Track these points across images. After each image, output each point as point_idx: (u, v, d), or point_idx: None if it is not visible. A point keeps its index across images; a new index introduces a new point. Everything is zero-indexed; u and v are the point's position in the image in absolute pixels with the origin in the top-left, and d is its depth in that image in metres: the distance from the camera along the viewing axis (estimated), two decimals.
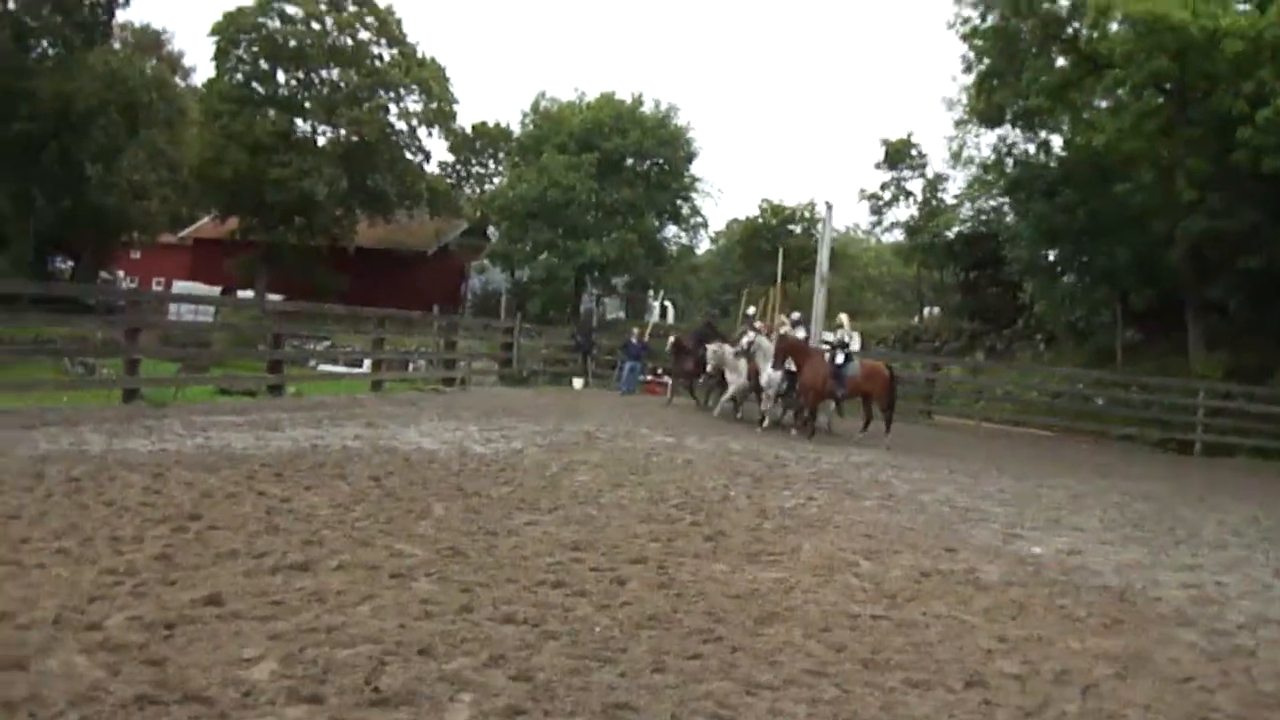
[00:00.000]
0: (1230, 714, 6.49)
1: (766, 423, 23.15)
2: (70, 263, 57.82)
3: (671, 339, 29.78)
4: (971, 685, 6.49)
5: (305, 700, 5.31)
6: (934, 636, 7.48)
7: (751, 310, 27.93)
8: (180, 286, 52.82)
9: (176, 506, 9.46)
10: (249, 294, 49.59)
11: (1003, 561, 10.36)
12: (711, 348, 25.15)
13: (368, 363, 30.21)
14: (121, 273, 60.84)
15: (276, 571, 7.61)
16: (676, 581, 8.38)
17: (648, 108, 53.52)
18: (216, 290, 49.81)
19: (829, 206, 30.69)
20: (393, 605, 7.02)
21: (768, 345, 22.74)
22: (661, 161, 52.63)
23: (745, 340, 23.36)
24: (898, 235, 52.49)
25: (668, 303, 42.50)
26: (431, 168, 60.63)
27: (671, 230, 55.49)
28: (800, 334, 23.93)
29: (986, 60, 33.64)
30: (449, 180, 62.86)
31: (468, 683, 5.75)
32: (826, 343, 23.30)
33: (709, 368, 25.41)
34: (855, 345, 24.88)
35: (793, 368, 22.53)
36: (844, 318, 25.23)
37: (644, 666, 6.28)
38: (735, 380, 24.44)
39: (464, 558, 8.55)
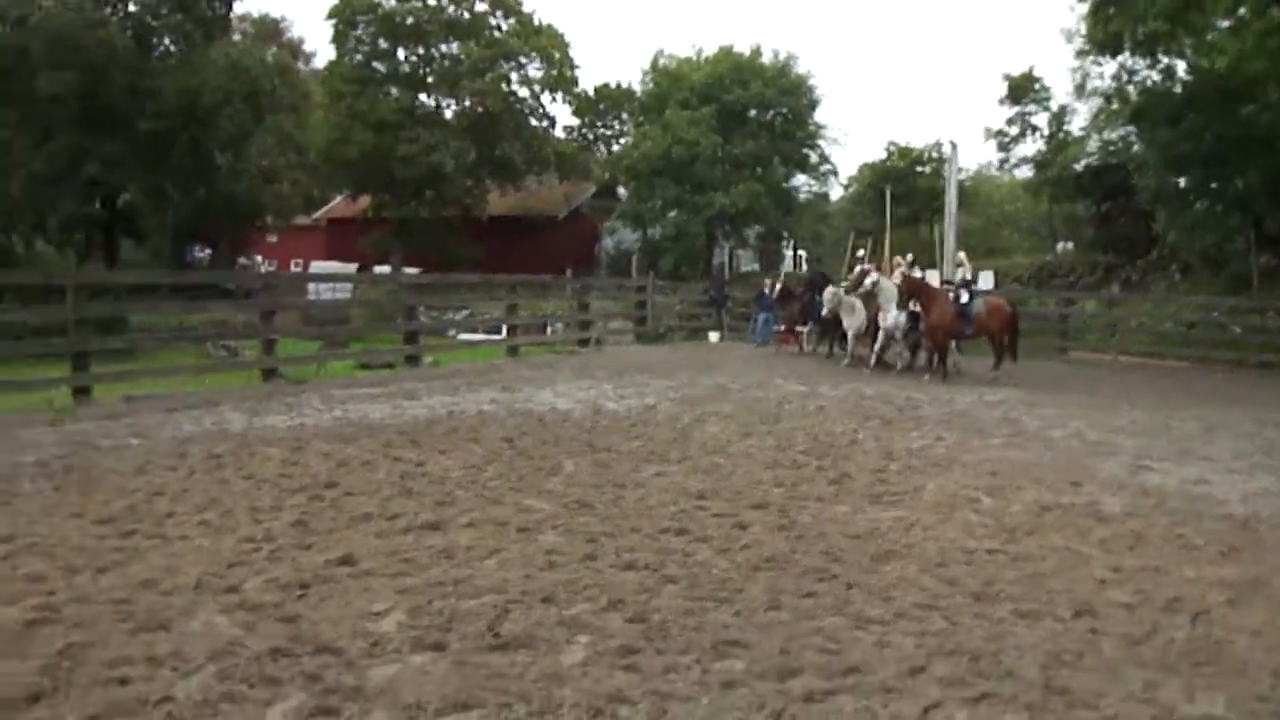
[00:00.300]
0: None
1: (874, 362, 23.21)
2: (208, 251, 59.40)
3: (779, 286, 29.88)
4: (1080, 615, 6.54)
5: (429, 648, 5.63)
6: (1048, 569, 7.54)
7: (860, 253, 27.72)
8: (317, 266, 53.79)
9: (313, 476, 9.88)
10: (385, 269, 50.30)
11: (1126, 493, 10.29)
12: (829, 291, 24.91)
13: (505, 329, 30.62)
14: (259, 257, 62.18)
15: (408, 532, 7.96)
16: (797, 524, 8.55)
17: (767, 58, 53.15)
18: (353, 268, 50.65)
19: (954, 146, 30.35)
20: (519, 557, 7.32)
21: (890, 286, 22.65)
22: (784, 111, 52.27)
23: (869, 281, 23.11)
24: (1026, 171, 51.58)
25: (801, 252, 42.30)
26: (557, 133, 60.88)
27: (801, 179, 55.28)
28: (918, 274, 23.71)
29: None
30: (575, 144, 63.00)
31: (585, 626, 6.02)
32: (948, 282, 23.09)
33: (825, 311, 25.17)
34: (980, 284, 24.58)
35: (915, 309, 22.46)
36: (962, 255, 24.99)
37: (758, 606, 6.47)
38: (853, 324, 24.26)
39: (590, 510, 8.83)
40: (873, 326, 23.60)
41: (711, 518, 8.67)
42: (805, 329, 28.27)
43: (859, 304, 23.75)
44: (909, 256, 25.64)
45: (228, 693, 5.02)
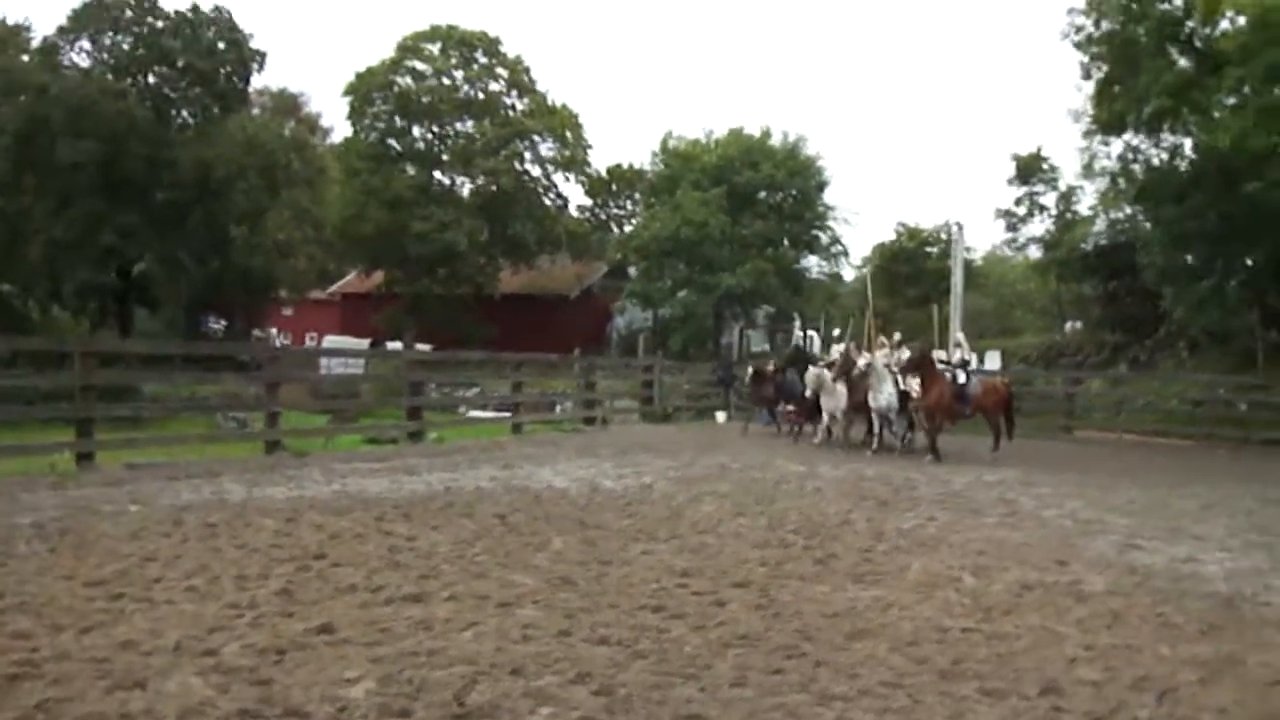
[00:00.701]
0: None
1: (876, 445, 23.19)
2: (223, 322, 59.77)
3: (750, 367, 29.91)
4: (1046, 692, 6.60)
5: (396, 714, 5.78)
6: (1020, 647, 7.61)
7: (836, 332, 27.77)
8: (330, 341, 54.17)
9: (304, 547, 10.05)
10: (397, 345, 50.58)
11: (1112, 572, 10.35)
12: (812, 372, 24.94)
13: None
14: (274, 330, 62.66)
15: (390, 603, 8.11)
16: (776, 602, 8.66)
17: (776, 140, 53.98)
18: (365, 343, 50.95)
19: (959, 227, 30.89)
20: (494, 631, 7.45)
21: (881, 367, 22.82)
22: (793, 192, 52.91)
23: (862, 362, 23.19)
24: (1035, 251, 51.89)
25: (811, 332, 42.55)
26: (570, 212, 61.44)
27: (812, 260, 55.73)
28: (904, 354, 23.81)
29: (1104, 67, 33.25)
30: (588, 223, 63.57)
31: (550, 698, 6.15)
32: (944, 363, 23.22)
33: (807, 392, 25.09)
34: (987, 364, 24.73)
35: (906, 388, 22.66)
36: (960, 336, 25.26)
37: (725, 681, 6.58)
38: (833, 405, 24.27)
39: (572, 586, 8.95)
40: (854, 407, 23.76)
41: (691, 595, 8.79)
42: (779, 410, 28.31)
43: (840, 386, 23.79)
44: (896, 336, 25.79)
45: None
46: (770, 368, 28.37)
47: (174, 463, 16.72)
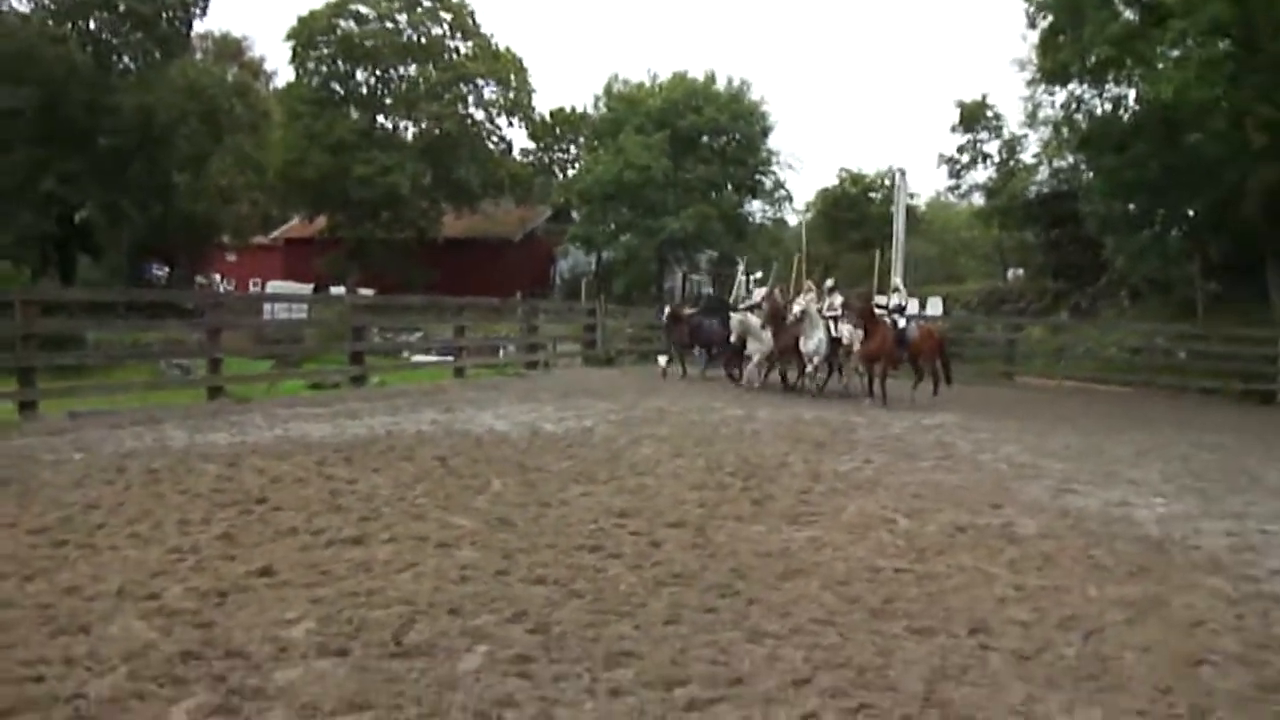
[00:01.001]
0: (1231, 654, 6.60)
1: (813, 387, 23.58)
2: (166, 269, 59.32)
3: (666, 308, 29.50)
4: (974, 631, 6.77)
5: (334, 654, 5.90)
6: (950, 586, 7.80)
7: (758, 275, 27.72)
8: (274, 286, 53.84)
9: (245, 492, 10.10)
10: (341, 290, 50.36)
11: (1045, 516, 10.53)
12: (736, 316, 25.00)
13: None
14: (218, 276, 62.34)
15: (330, 545, 8.22)
16: (712, 542, 8.81)
17: (720, 84, 54.10)
18: (308, 288, 50.69)
19: (901, 173, 30.83)
20: (432, 571, 7.57)
21: (814, 314, 22.99)
22: (737, 137, 53.01)
23: (796, 308, 23.26)
24: (978, 198, 52.22)
25: (755, 275, 42.59)
26: (514, 156, 61.22)
27: (756, 205, 55.91)
28: (838, 300, 23.96)
29: (1049, 16, 33.39)
30: (531, 167, 63.37)
31: (486, 636, 6.28)
32: (880, 308, 23.35)
33: (733, 337, 25.01)
34: (929, 310, 24.96)
35: (837, 334, 22.94)
36: (898, 280, 25.50)
37: (658, 620, 6.73)
38: (759, 348, 24.44)
39: (511, 527, 9.07)
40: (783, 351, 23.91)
41: (628, 535, 8.93)
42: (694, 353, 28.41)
43: (766, 331, 23.97)
44: (829, 283, 25.90)
45: (137, 691, 5.29)
46: (686, 311, 28.26)
47: (117, 410, 16.65)
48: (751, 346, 24.65)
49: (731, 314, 25.48)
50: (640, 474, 12.06)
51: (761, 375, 24.98)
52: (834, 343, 23.15)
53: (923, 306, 38.13)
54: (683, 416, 18.27)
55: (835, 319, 23.23)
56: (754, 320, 24.30)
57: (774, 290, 25.40)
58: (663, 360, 28.94)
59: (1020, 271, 51.28)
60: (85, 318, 24.79)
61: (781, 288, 25.81)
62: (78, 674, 5.47)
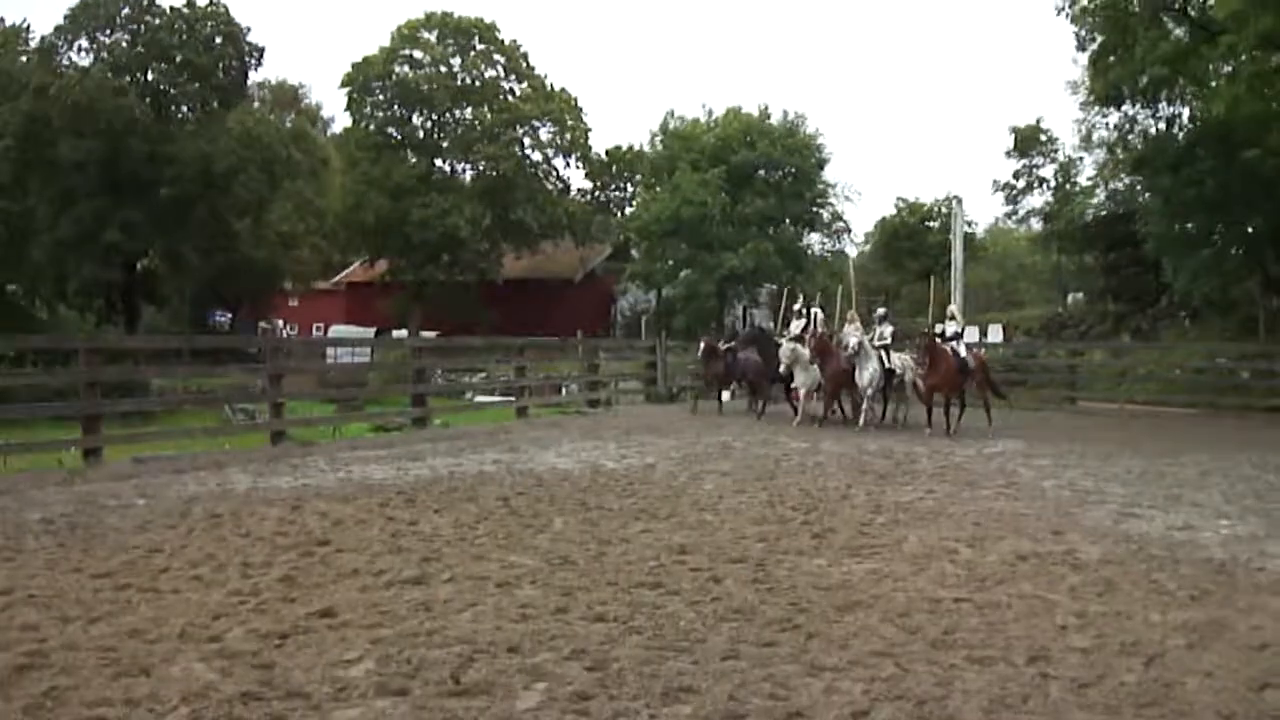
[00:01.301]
0: None
1: (863, 422, 23.05)
2: (228, 315, 59.98)
3: (702, 342, 28.70)
4: (1034, 660, 6.70)
5: (393, 693, 5.93)
6: (1011, 616, 7.71)
7: (798, 306, 27.42)
8: (336, 330, 54.35)
9: (307, 534, 10.21)
10: (403, 333, 50.67)
11: (1107, 541, 10.43)
12: (786, 346, 24.51)
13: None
14: (281, 321, 62.89)
15: (391, 586, 8.26)
16: (772, 577, 8.78)
17: (775, 119, 54.18)
18: (370, 332, 51.09)
19: (958, 201, 30.83)
20: (492, 610, 7.59)
21: (868, 346, 22.86)
22: (793, 170, 52.97)
23: (852, 342, 23.06)
24: (1035, 223, 52.00)
25: (815, 309, 42.42)
26: (572, 195, 61.43)
27: (815, 237, 55.87)
28: (888, 330, 23.76)
29: (1099, 38, 33.15)
30: (589, 206, 63.60)
31: (545, 674, 6.29)
32: (938, 335, 23.13)
33: (781, 368, 24.62)
34: (990, 337, 24.74)
35: (891, 365, 22.89)
36: (954, 308, 25.25)
37: (717, 654, 6.70)
38: (806, 382, 24.18)
39: (571, 565, 9.09)
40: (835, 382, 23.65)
41: (688, 571, 8.91)
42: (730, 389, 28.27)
43: (815, 364, 23.67)
44: (880, 311, 25.76)
45: None
46: (722, 345, 27.98)
47: (180, 455, 16.88)
48: (799, 378, 24.45)
49: (783, 343, 24.98)
50: (701, 510, 12.04)
51: (810, 408, 24.51)
52: (888, 374, 23.05)
53: (983, 334, 37.91)
54: (746, 451, 18.27)
55: (886, 348, 23.15)
56: (804, 351, 23.95)
57: (815, 319, 25.29)
58: (725, 394, 28.82)
59: (1080, 295, 50.86)
60: (149, 364, 25.15)
61: (823, 317, 25.68)
62: (139, 715, 5.52)
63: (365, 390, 32.44)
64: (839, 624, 7.45)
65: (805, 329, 25.05)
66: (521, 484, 13.88)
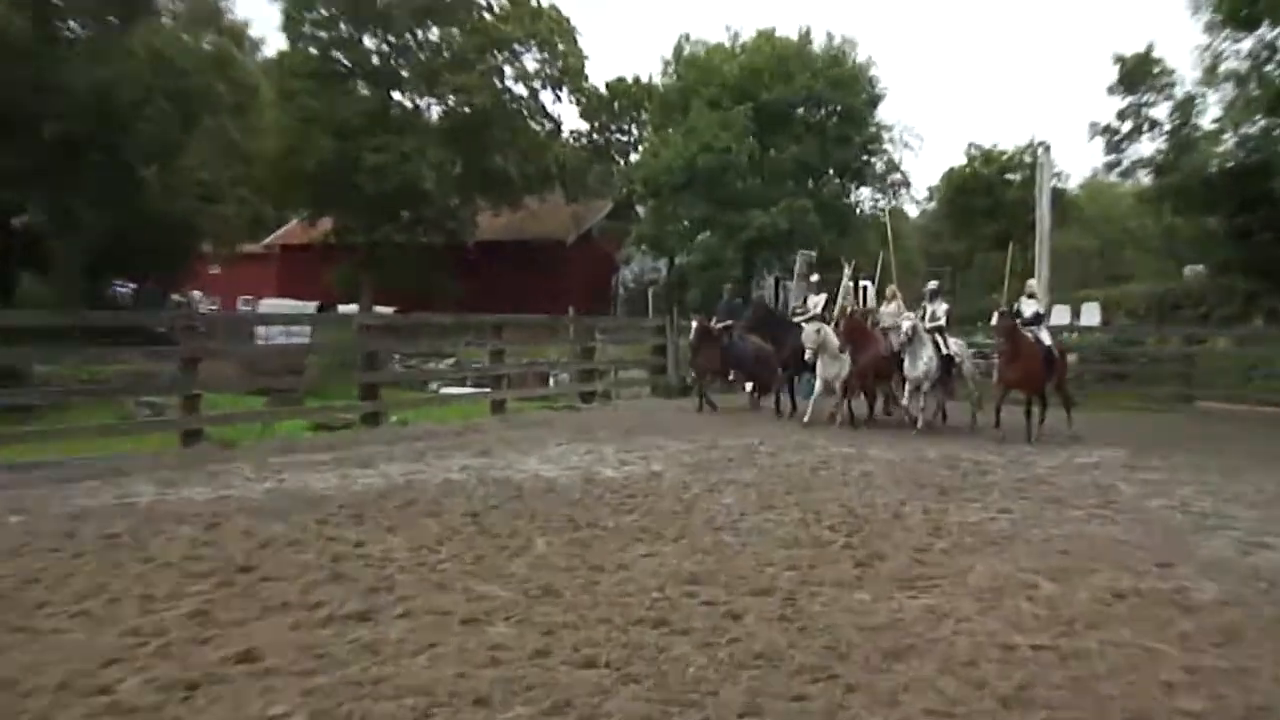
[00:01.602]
0: None
1: (920, 418, 23.00)
2: (133, 286, 59.58)
3: (695, 323, 28.27)
4: None
5: None
6: (1104, 669, 7.60)
7: (815, 278, 27.24)
8: (268, 304, 54.37)
9: (226, 559, 10.12)
10: (352, 308, 50.46)
11: (1229, 578, 10.29)
12: (811, 327, 23.90)
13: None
14: (198, 293, 62.71)
15: (329, 623, 8.20)
16: (803, 614, 8.73)
17: (817, 45, 53.81)
18: (309, 306, 51.03)
19: (1046, 148, 30.57)
20: (456, 653, 7.54)
21: (923, 331, 22.81)
22: (838, 109, 52.66)
23: (906, 324, 22.85)
24: (1144, 177, 51.66)
25: (866, 282, 42.14)
26: (563, 139, 61.26)
27: (865, 192, 55.67)
28: (941, 309, 23.60)
29: None
30: (585, 153, 63.37)
31: None
32: (1017, 316, 22.89)
33: (806, 354, 23.90)
34: (1084, 319, 24.53)
35: (949, 353, 22.97)
36: (1033, 283, 25.06)
37: (732, 711, 6.64)
38: (833, 373, 23.75)
39: (555, 597, 9.04)
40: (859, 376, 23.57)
41: (700, 607, 8.86)
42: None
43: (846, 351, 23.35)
44: (932, 284, 25.21)
45: None
46: (715, 324, 27.59)
47: (67, 461, 16.87)
48: (825, 368, 23.96)
49: (805, 326, 24.47)
50: (718, 529, 12.02)
51: (823, 406, 24.33)
52: (946, 362, 23.01)
53: (1075, 316, 37.74)
54: (775, 457, 18.26)
55: (940, 330, 23.15)
56: (833, 337, 23.64)
57: (862, 297, 25.15)
58: (749, 385, 28.66)
59: (1200, 268, 50.54)
60: (29, 347, 25.02)
61: (854, 293, 25.52)
62: None
63: (303, 379, 32.44)
64: (886, 674, 7.38)
65: (826, 306, 24.85)
66: (496, 496, 13.86)
